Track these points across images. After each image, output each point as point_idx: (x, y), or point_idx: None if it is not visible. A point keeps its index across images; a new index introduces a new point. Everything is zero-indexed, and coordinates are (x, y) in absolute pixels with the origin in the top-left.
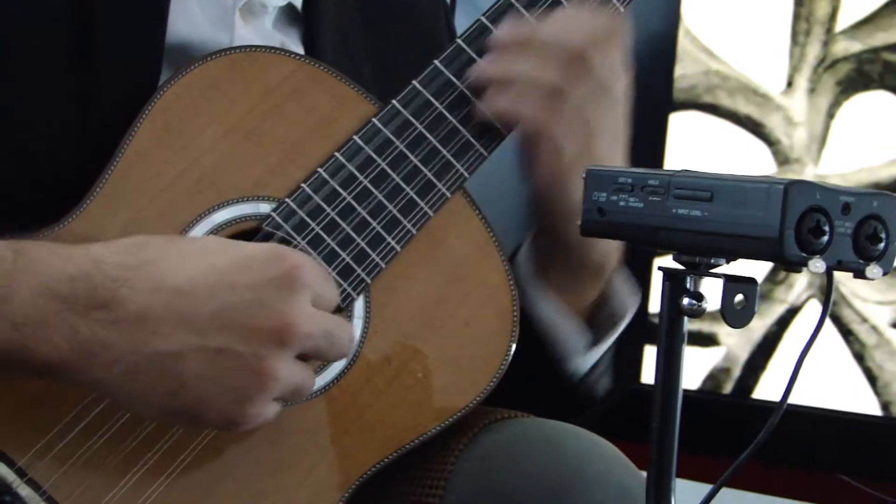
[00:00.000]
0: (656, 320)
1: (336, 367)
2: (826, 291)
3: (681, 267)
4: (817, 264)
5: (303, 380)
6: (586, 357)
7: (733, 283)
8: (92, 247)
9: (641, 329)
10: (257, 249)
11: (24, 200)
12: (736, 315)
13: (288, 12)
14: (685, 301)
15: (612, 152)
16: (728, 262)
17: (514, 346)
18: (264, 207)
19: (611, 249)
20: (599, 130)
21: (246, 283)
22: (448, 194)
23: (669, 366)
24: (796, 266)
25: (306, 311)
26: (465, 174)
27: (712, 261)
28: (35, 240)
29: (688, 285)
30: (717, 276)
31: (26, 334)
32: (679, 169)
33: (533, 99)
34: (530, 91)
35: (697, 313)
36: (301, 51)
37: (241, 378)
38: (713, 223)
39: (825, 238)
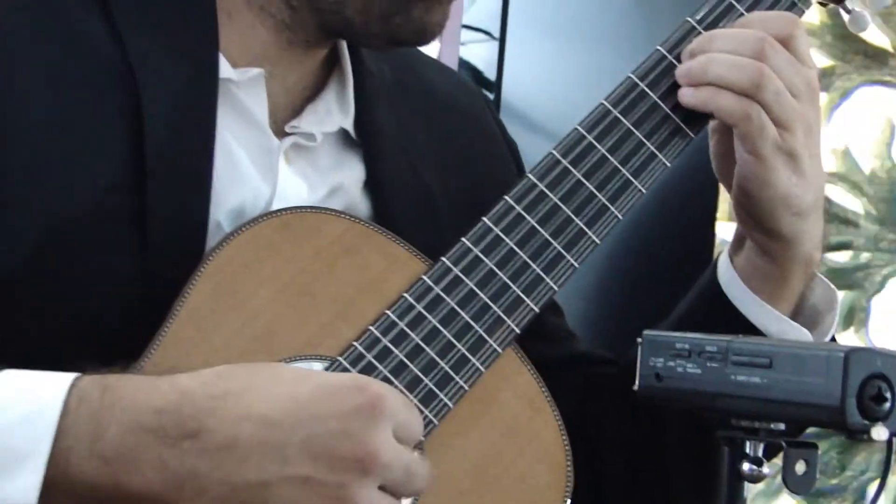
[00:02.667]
0: None
1: None
2: (886, 457)
3: (740, 432)
4: (880, 431)
5: None
6: None
7: (795, 449)
8: (178, 378)
9: None
10: (340, 379)
11: (85, 355)
12: (798, 482)
13: (341, 137)
14: (745, 466)
15: (809, 142)
16: (787, 427)
17: (568, 501)
18: (317, 366)
19: (819, 235)
20: (794, 120)
21: (330, 412)
22: (499, 350)
23: None
24: (859, 434)
25: (388, 441)
26: (516, 330)
27: (772, 426)
28: (120, 374)
29: (747, 450)
30: (777, 441)
31: (118, 469)
32: (735, 336)
33: (731, 94)
34: (728, 88)
35: (758, 479)
36: (362, 173)
37: None
38: (773, 390)
39: (888, 405)
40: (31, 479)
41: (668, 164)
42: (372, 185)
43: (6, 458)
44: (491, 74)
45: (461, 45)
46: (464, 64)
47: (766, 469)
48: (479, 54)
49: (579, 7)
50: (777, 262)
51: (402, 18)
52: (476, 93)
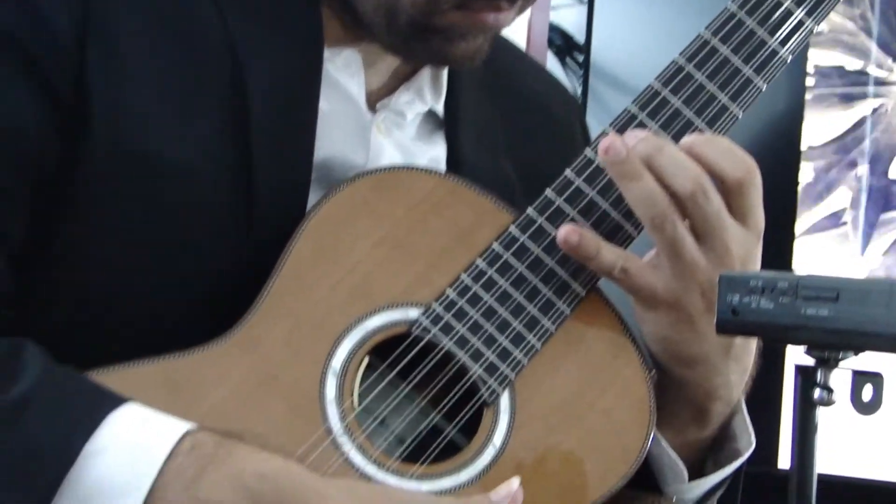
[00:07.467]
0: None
1: (484, 460)
2: None
3: (811, 362)
4: None
5: None
6: (691, 487)
7: (861, 376)
8: (293, 462)
9: (776, 416)
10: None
11: (192, 316)
12: (864, 406)
13: (429, 118)
14: (817, 393)
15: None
16: (856, 354)
17: (652, 434)
18: (413, 313)
19: (726, 399)
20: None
21: None
22: (583, 293)
23: (803, 456)
24: None
25: None
26: (598, 274)
27: (840, 355)
28: (241, 442)
29: (818, 379)
30: (845, 369)
31: None
32: (805, 273)
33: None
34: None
35: (828, 404)
36: (444, 151)
37: None
38: (840, 321)
39: None
40: None
41: (763, 88)
42: (452, 164)
43: (112, 488)
44: (580, 38)
45: (551, 9)
46: (554, 28)
47: (835, 396)
48: (569, 18)
49: None
50: (676, 405)
51: (420, 45)
52: (571, 101)
